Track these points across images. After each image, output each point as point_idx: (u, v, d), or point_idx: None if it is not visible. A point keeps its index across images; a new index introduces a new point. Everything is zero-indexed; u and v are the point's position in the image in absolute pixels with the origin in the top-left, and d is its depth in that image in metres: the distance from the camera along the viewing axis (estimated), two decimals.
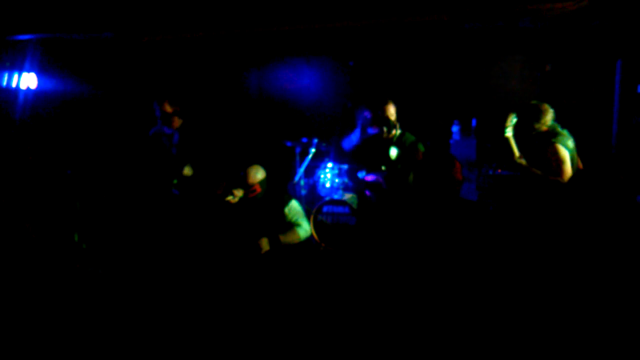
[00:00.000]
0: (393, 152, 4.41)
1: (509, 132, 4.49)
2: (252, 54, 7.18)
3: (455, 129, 5.94)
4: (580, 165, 4.43)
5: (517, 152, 4.52)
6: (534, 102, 4.36)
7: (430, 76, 6.40)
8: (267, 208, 4.37)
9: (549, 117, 4.27)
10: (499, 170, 5.21)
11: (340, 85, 6.94)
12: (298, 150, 5.92)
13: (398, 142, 4.47)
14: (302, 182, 5.77)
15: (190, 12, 6.45)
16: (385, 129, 4.43)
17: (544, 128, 4.27)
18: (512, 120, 4.47)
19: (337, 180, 5.80)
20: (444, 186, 4.41)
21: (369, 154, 4.59)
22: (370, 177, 4.70)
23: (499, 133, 5.94)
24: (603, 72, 5.78)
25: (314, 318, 3.86)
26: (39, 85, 7.37)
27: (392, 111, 4.45)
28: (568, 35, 5.82)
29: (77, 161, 6.39)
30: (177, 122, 5.05)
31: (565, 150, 4.17)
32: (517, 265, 4.37)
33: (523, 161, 4.43)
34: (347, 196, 5.69)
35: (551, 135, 4.22)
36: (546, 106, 4.30)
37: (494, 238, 4.67)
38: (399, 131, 4.51)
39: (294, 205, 4.45)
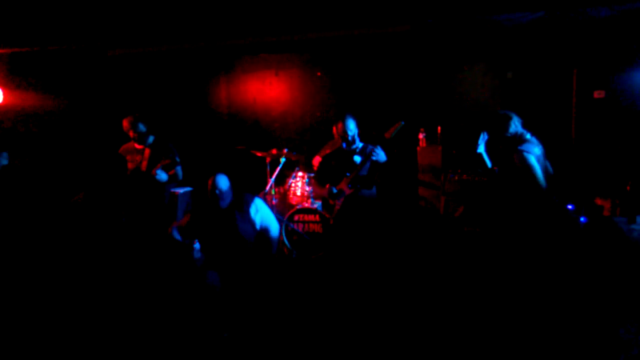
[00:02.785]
0: (357, 158, 4.54)
1: (480, 149, 4.58)
2: (222, 67, 7.22)
3: (421, 136, 6.08)
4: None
5: (489, 164, 4.61)
6: (501, 110, 4.41)
7: (397, 85, 6.53)
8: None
9: (515, 124, 4.30)
10: (464, 176, 5.37)
11: (309, 96, 7.02)
12: (268, 160, 5.98)
13: (361, 153, 4.60)
14: (272, 192, 5.83)
15: (158, 26, 6.48)
16: (344, 145, 4.58)
17: (512, 135, 4.30)
18: (483, 137, 4.56)
19: (307, 189, 5.88)
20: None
21: (333, 163, 4.68)
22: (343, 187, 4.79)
23: (464, 140, 6.12)
24: (561, 80, 6.00)
25: (285, 327, 3.91)
26: (5, 99, 7.29)
27: (350, 127, 4.56)
28: (528, 44, 6.03)
29: (44, 174, 6.33)
30: (148, 138, 5.05)
31: (531, 157, 4.21)
32: (481, 265, 4.49)
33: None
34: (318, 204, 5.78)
35: (517, 143, 4.26)
36: (512, 114, 4.34)
37: (459, 241, 4.80)
38: (360, 144, 4.64)
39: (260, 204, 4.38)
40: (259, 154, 5.97)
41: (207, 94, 7.33)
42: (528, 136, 4.32)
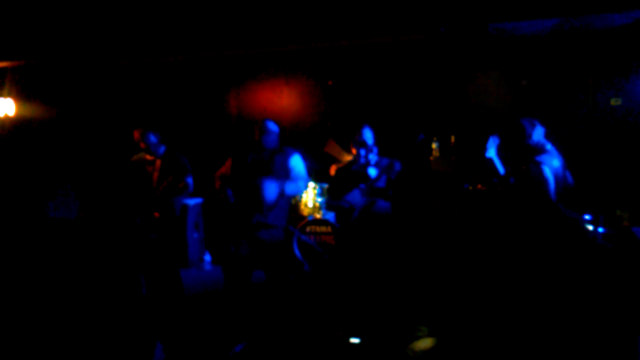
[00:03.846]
0: (372, 171, 4.45)
1: (491, 153, 4.46)
2: (232, 76, 7.20)
3: (435, 145, 6.00)
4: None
5: (501, 171, 4.48)
6: (524, 117, 4.27)
7: (409, 94, 6.47)
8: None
9: (535, 133, 4.18)
10: (479, 186, 5.28)
11: (320, 105, 6.97)
12: None
13: (378, 165, 4.53)
14: None
15: (168, 37, 6.48)
16: (361, 152, 4.49)
17: (533, 144, 4.19)
18: (493, 141, 4.45)
19: (319, 200, 5.82)
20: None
21: (348, 176, 4.61)
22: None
23: (478, 149, 6.03)
24: (577, 87, 5.92)
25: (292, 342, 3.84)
26: (17, 111, 7.32)
27: (368, 137, 4.50)
28: (542, 52, 5.96)
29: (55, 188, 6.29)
30: (160, 149, 5.02)
31: (547, 169, 4.11)
32: (496, 277, 4.40)
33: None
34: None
35: (535, 153, 4.14)
36: (533, 122, 4.21)
37: (473, 252, 4.71)
38: (377, 157, 4.57)
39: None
40: None
41: (217, 104, 7.30)
42: (548, 147, 4.20)
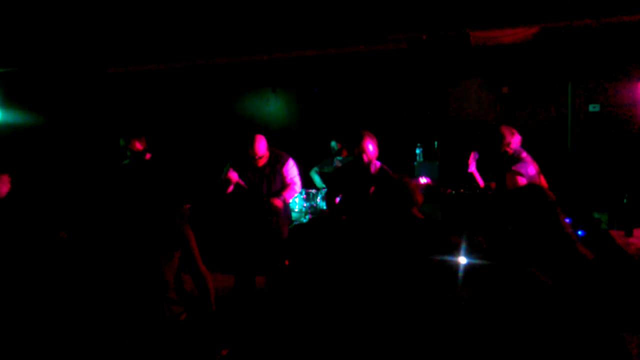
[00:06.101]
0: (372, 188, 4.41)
1: (471, 168, 4.63)
2: (219, 84, 7.24)
3: (418, 151, 6.09)
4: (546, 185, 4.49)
5: (481, 183, 4.65)
6: (499, 126, 4.40)
7: (393, 101, 6.55)
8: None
9: (512, 140, 4.28)
10: (462, 190, 5.38)
11: (307, 112, 7.03)
12: None
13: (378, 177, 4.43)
14: None
15: (154, 45, 6.53)
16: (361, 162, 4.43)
17: (509, 150, 4.29)
18: (474, 157, 4.61)
19: (305, 204, 5.89)
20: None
21: (349, 185, 4.51)
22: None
23: (461, 155, 6.13)
24: (556, 93, 6.04)
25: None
26: (3, 118, 7.31)
27: (370, 147, 4.38)
28: (523, 59, 6.07)
29: (42, 197, 6.30)
30: (146, 156, 5.03)
31: (523, 179, 4.14)
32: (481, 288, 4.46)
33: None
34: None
35: (512, 162, 4.24)
36: (510, 130, 4.33)
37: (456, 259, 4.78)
38: (377, 164, 4.48)
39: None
40: None
41: (204, 112, 7.33)
42: (523, 155, 4.30)
